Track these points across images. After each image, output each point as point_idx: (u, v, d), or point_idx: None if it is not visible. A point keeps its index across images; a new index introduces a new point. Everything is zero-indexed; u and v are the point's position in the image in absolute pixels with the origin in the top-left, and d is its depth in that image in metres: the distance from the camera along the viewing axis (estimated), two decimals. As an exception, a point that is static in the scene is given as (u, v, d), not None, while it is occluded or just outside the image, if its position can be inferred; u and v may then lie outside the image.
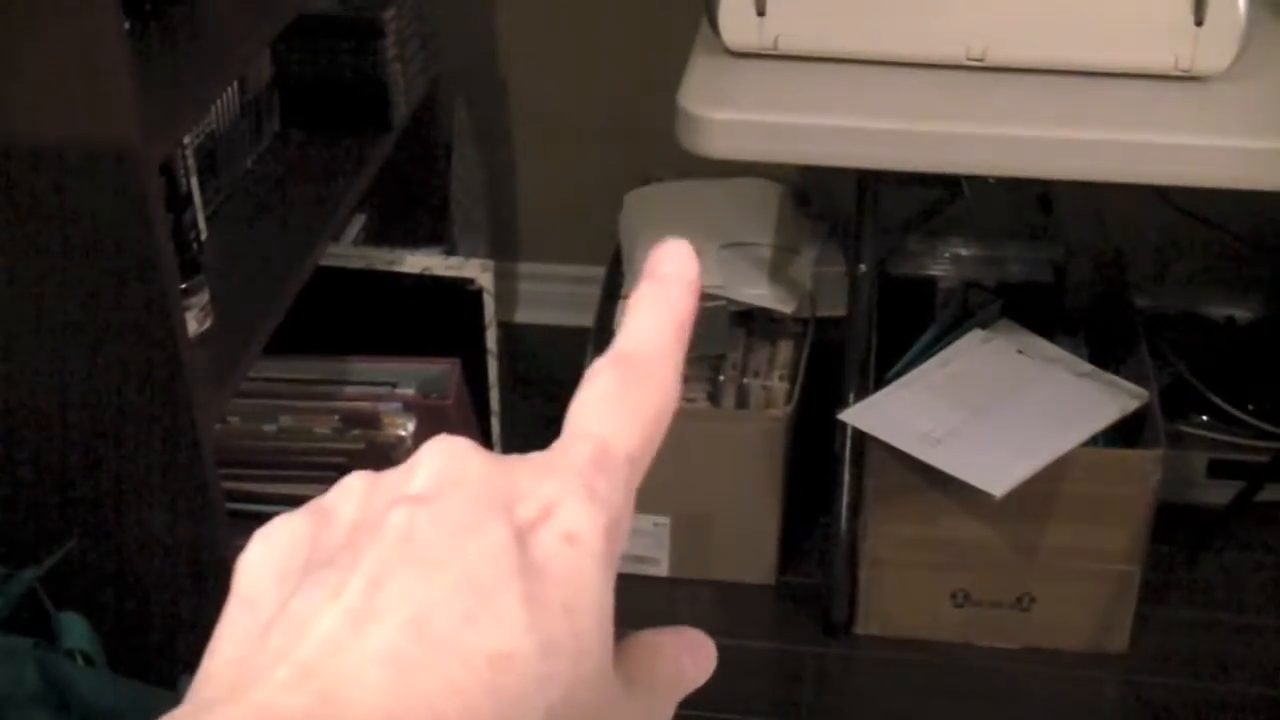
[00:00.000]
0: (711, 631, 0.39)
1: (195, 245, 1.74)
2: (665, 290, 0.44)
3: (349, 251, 2.16)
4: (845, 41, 1.70)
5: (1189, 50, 1.67)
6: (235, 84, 1.93)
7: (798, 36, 1.70)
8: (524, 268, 2.73)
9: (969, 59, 1.70)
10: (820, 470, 2.10)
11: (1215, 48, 1.66)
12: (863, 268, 1.95)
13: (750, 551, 2.16)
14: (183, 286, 1.58)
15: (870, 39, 1.69)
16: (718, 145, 1.66)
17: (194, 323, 1.61)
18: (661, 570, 2.18)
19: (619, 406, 0.41)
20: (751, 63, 1.72)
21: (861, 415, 1.94)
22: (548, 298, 2.69)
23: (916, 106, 1.66)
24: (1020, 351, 2.06)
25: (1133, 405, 1.98)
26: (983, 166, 1.71)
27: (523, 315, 2.74)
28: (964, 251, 2.33)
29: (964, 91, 1.69)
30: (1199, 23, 1.65)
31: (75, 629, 1.43)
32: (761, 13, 1.68)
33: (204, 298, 1.64)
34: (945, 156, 1.66)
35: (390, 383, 2.01)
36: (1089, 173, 1.66)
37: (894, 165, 1.69)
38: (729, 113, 1.66)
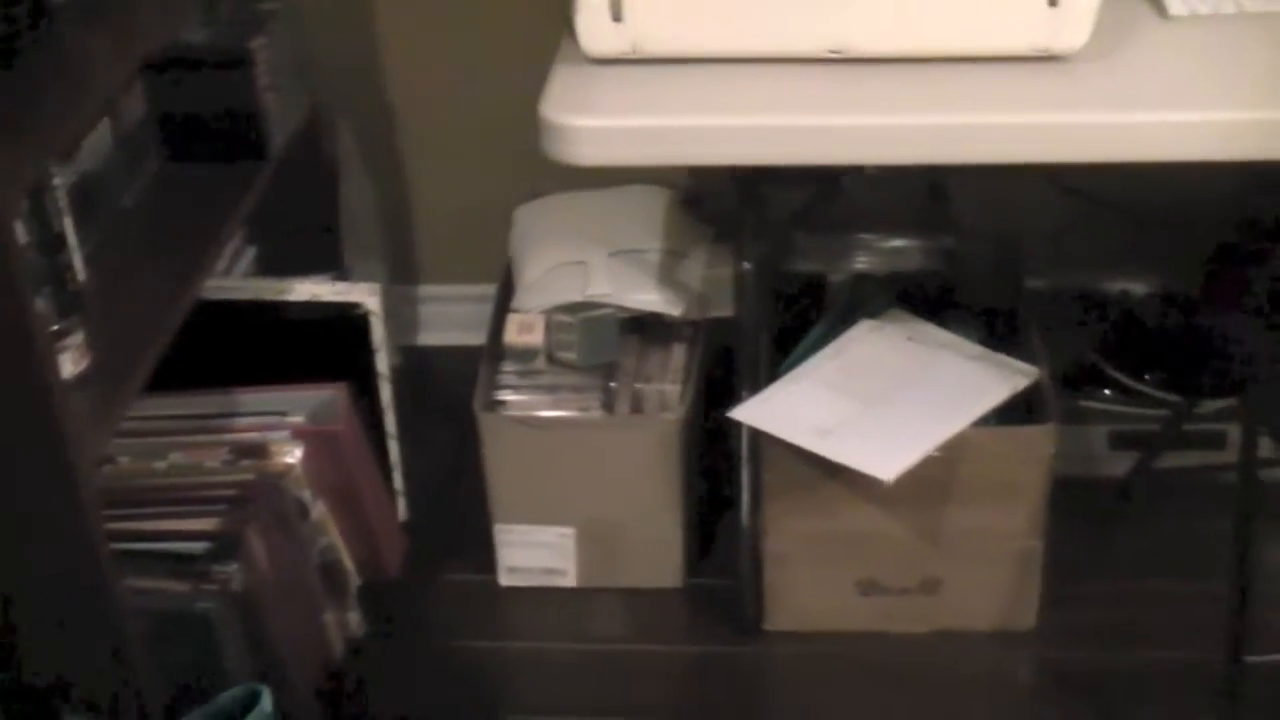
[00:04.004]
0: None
1: (71, 286, 1.73)
2: None
3: (238, 284, 2.15)
4: (703, 42, 1.71)
5: (1044, 31, 1.69)
6: (108, 120, 1.92)
7: (656, 39, 1.70)
8: (424, 290, 2.72)
9: (829, 52, 1.71)
10: (725, 472, 2.11)
11: (1070, 27, 1.69)
12: (746, 265, 1.96)
13: (657, 556, 2.16)
14: (55, 328, 1.58)
15: (728, 38, 1.70)
16: (582, 152, 1.66)
17: (70, 364, 1.60)
18: (569, 581, 2.18)
19: None
20: (613, 69, 1.72)
21: (752, 412, 1.95)
22: (449, 319, 2.69)
23: (778, 102, 1.67)
24: (910, 339, 2.07)
25: (1023, 383, 1.99)
26: (850, 156, 1.70)
27: (425, 338, 2.73)
28: (856, 245, 2.34)
29: (827, 84, 1.70)
30: (1052, 3, 1.67)
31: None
32: (618, 18, 1.69)
33: (78, 338, 1.62)
34: (809, 150, 1.67)
35: (280, 411, 2.00)
36: (953, 156, 1.66)
37: (760, 160, 1.69)
38: (591, 119, 1.66)
